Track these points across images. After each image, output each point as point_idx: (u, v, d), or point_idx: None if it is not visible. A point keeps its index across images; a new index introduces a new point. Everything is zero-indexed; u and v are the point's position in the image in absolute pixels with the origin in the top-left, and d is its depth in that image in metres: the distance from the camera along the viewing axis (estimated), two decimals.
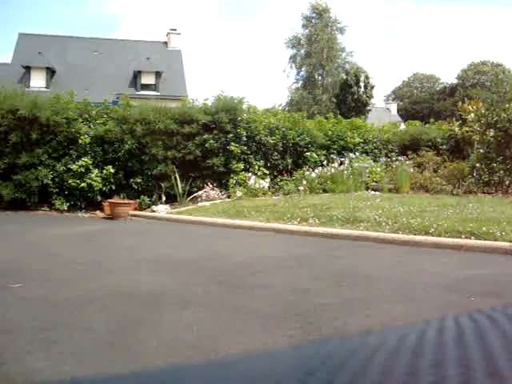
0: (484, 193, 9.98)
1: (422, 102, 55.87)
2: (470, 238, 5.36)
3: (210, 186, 10.74)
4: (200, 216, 8.31)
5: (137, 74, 30.87)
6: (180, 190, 10.43)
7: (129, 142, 10.40)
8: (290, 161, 11.96)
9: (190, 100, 12.25)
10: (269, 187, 11.14)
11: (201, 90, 70.25)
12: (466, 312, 0.53)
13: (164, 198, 10.33)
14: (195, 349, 2.52)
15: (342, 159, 11.92)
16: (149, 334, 2.73)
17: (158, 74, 30.84)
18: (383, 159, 12.42)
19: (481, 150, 10.91)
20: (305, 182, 10.77)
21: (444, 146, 13.18)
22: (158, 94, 27.81)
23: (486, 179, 10.35)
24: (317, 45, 44.59)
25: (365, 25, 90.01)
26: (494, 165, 10.34)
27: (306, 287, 3.78)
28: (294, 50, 46.71)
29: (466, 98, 14.55)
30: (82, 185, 10.07)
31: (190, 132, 10.83)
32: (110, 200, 9.72)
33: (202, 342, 2.62)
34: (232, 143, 11.06)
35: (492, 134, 10.53)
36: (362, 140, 12.96)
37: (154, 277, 4.22)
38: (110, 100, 13.11)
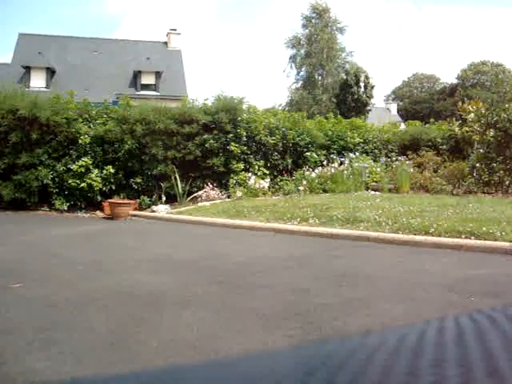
0: (484, 193, 9.98)
1: (422, 102, 55.87)
2: (470, 238, 5.36)
3: (210, 186, 10.74)
4: (200, 216, 8.31)
5: (137, 74, 30.88)
6: (180, 190, 10.44)
7: (129, 142, 10.40)
8: (289, 161, 11.96)
9: (189, 100, 12.25)
10: (269, 187, 11.14)
11: (201, 90, 70.27)
12: (466, 312, 0.53)
13: (164, 198, 10.33)
14: (195, 349, 2.52)
15: (342, 159, 11.93)
16: (149, 334, 2.73)
17: (157, 74, 30.84)
18: (383, 159, 12.42)
19: (481, 150, 10.91)
20: (305, 182, 10.77)
21: (444, 146, 13.19)
22: (158, 94, 27.81)
23: (486, 179, 10.35)
24: (317, 45, 44.59)
25: (365, 25, 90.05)
26: (494, 165, 10.34)
27: (306, 287, 3.78)
28: (294, 50, 46.71)
29: (465, 98, 14.56)
30: (82, 185, 10.07)
31: (189, 132, 10.83)
32: (110, 200, 9.72)
33: (202, 342, 2.62)
34: (232, 143, 11.07)
35: (492, 133, 10.53)
36: (362, 140, 12.96)
37: (154, 277, 4.22)
38: (110, 100, 13.12)
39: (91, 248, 5.87)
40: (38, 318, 3.02)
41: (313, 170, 11.45)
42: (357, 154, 12.33)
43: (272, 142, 11.67)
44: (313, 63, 44.74)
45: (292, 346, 2.48)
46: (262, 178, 11.22)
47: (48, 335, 2.70)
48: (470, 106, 12.13)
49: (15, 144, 9.92)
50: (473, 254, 5.04)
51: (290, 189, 10.75)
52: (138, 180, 10.61)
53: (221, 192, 10.77)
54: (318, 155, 12.08)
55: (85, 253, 5.43)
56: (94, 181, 10.13)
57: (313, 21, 45.89)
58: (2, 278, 4.13)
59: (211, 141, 10.90)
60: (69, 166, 10.20)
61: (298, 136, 12.06)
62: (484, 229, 5.47)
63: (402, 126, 17.92)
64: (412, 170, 11.27)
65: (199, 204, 9.90)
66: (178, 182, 10.46)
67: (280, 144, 11.84)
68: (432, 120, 15.66)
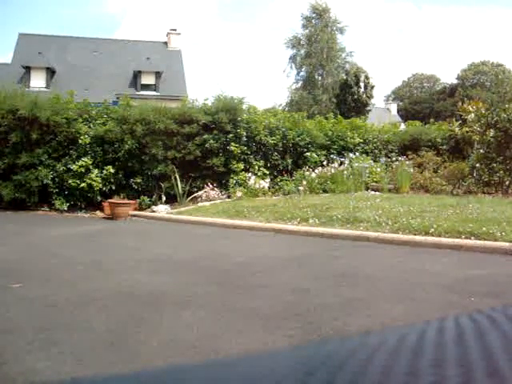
0: (484, 193, 9.98)
1: (422, 102, 55.88)
2: (469, 239, 5.36)
3: (210, 186, 10.75)
4: (200, 216, 8.31)
5: (137, 74, 30.89)
6: (180, 190, 10.43)
7: (129, 142, 10.40)
8: (289, 161, 11.96)
9: (189, 100, 12.26)
10: (269, 187, 11.14)
11: (201, 90, 70.31)
12: (466, 312, 0.53)
13: (164, 198, 10.33)
14: (195, 349, 2.52)
15: (342, 159, 11.92)
16: (149, 334, 2.73)
17: (157, 74, 30.85)
18: (383, 159, 12.42)
19: (481, 150, 10.91)
20: (305, 182, 10.77)
21: (444, 146, 13.19)
22: (158, 94, 27.82)
23: (486, 179, 10.36)
24: (317, 45, 44.59)
25: (365, 25, 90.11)
26: (494, 165, 10.34)
27: (306, 287, 3.78)
28: (294, 50, 46.71)
29: (465, 99, 14.57)
30: (82, 185, 10.07)
31: (189, 132, 10.83)
32: (110, 200, 9.72)
33: (202, 342, 2.62)
34: (232, 143, 11.07)
35: (492, 134, 10.53)
36: (362, 140, 12.96)
37: (154, 277, 4.22)
38: (110, 100, 13.12)
39: (91, 248, 5.87)
40: (38, 318, 3.02)
41: (313, 170, 11.45)
42: (357, 154, 12.33)
43: (272, 142, 11.67)
44: (313, 63, 44.74)
45: (292, 346, 2.48)
46: (262, 178, 11.22)
47: (48, 335, 2.70)
48: (470, 106, 12.13)
49: (15, 144, 9.92)
50: (473, 254, 5.04)
51: (289, 189, 10.75)
52: (138, 180, 10.61)
53: (221, 192, 10.78)
54: (317, 155, 12.08)
55: (85, 253, 5.43)
56: (94, 181, 10.13)
57: (313, 21, 45.89)
58: (2, 278, 4.13)
59: (211, 141, 10.90)
60: (69, 165, 10.20)
61: (298, 136, 12.06)
62: (484, 229, 5.47)
63: (402, 126, 17.92)
64: (412, 170, 11.27)
65: (199, 204, 9.90)
66: (178, 182, 10.46)
67: (280, 144, 11.84)
68: (432, 120, 15.65)
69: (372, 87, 33.34)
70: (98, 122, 10.81)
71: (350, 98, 32.15)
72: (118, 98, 16.53)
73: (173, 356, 2.41)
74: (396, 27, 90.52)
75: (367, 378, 0.40)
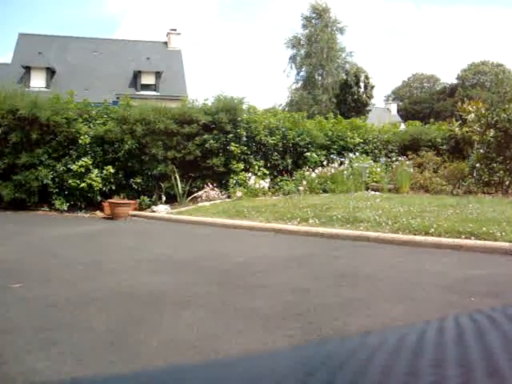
0: (484, 193, 9.98)
1: (422, 102, 55.88)
2: (469, 239, 5.36)
3: (210, 186, 10.75)
4: (200, 216, 8.31)
5: (137, 74, 30.89)
6: (180, 190, 10.43)
7: (129, 142, 10.40)
8: (289, 161, 11.96)
9: (189, 100, 12.26)
10: (269, 187, 11.14)
11: (201, 90, 70.34)
12: (466, 312, 0.53)
13: (164, 198, 10.33)
14: (195, 349, 2.52)
15: (342, 159, 11.92)
16: (149, 334, 2.73)
17: (157, 74, 30.84)
18: (383, 159, 12.42)
19: (481, 150, 10.91)
20: (305, 182, 10.77)
21: (444, 146, 13.19)
22: (158, 94, 27.83)
23: (486, 179, 10.36)
24: (317, 45, 44.60)
25: (365, 25, 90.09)
26: (494, 165, 10.34)
27: (306, 287, 3.78)
28: (294, 50, 46.72)
29: (465, 99, 14.56)
30: (82, 185, 10.07)
31: (189, 132, 10.83)
32: (109, 200, 9.72)
33: (202, 342, 2.62)
34: (232, 143, 11.07)
35: (492, 134, 10.53)
36: (362, 140, 12.96)
37: (154, 277, 4.22)
38: (110, 100, 13.13)
39: (91, 248, 5.87)
40: (38, 318, 3.02)
41: (313, 170, 11.45)
42: (357, 154, 12.33)
43: (272, 142, 11.67)
44: (313, 63, 44.75)
45: (292, 346, 2.48)
46: (262, 178, 11.22)
47: (48, 335, 2.70)
48: (469, 107, 12.13)
49: (15, 144, 9.92)
50: (473, 254, 5.04)
51: (289, 189, 10.75)
52: (138, 180, 10.61)
53: (221, 192, 10.78)
54: (317, 155, 12.08)
55: (85, 253, 5.43)
56: (94, 181, 10.13)
57: (313, 21, 45.90)
58: (2, 278, 4.13)
59: (211, 141, 10.90)
60: (69, 166, 10.20)
61: (298, 136, 12.06)
62: (484, 229, 5.47)
63: (402, 126, 17.92)
64: (412, 170, 11.27)
65: (199, 204, 9.90)
66: (178, 182, 10.46)
67: (280, 144, 11.84)
68: (432, 120, 15.65)
69: (372, 87, 33.34)
70: (98, 121, 10.80)
71: (350, 98, 32.15)
72: (118, 98, 16.53)
73: (173, 356, 2.41)
74: (396, 27, 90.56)
75: (367, 377, 0.40)
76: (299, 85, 46.22)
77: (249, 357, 0.53)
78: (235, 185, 10.81)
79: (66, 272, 4.40)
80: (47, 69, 29.44)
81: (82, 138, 10.36)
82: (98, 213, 10.12)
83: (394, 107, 52.16)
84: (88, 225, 8.36)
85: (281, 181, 11.45)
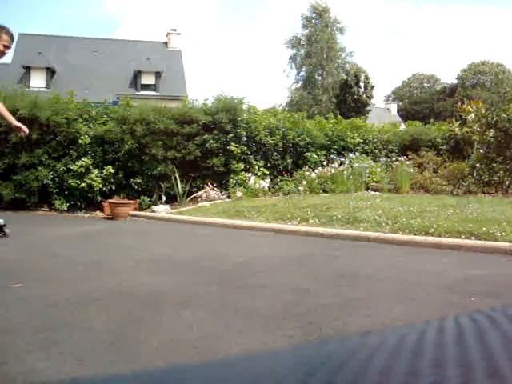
0: (484, 193, 9.98)
1: (422, 103, 55.90)
2: (469, 239, 5.36)
3: (210, 186, 10.75)
4: (200, 216, 8.31)
5: (137, 74, 30.89)
6: (180, 190, 10.44)
7: (129, 142, 10.41)
8: (289, 161, 11.96)
9: (189, 100, 12.26)
10: (269, 187, 11.15)
11: (201, 89, 70.48)
12: (466, 312, 0.53)
13: (164, 198, 10.33)
14: (195, 349, 2.52)
15: (342, 159, 11.93)
16: (149, 334, 2.73)
17: (157, 74, 30.85)
18: (383, 159, 12.43)
19: (481, 151, 10.91)
20: (305, 183, 10.78)
21: (444, 147, 13.20)
22: (158, 94, 27.84)
23: (486, 179, 10.36)
24: (317, 45, 44.61)
25: (365, 25, 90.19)
26: (494, 165, 10.34)
27: (306, 287, 3.78)
28: (294, 50, 46.77)
29: (465, 99, 14.57)
30: (82, 185, 10.08)
31: (189, 132, 10.83)
32: (109, 200, 9.72)
33: (202, 342, 2.62)
34: (232, 143, 11.07)
35: (492, 134, 10.53)
36: (362, 140, 12.96)
37: (154, 277, 4.22)
38: (110, 100, 13.13)
39: (91, 248, 5.87)
40: (38, 318, 3.02)
41: (313, 171, 11.45)
42: (357, 154, 12.33)
43: (272, 142, 11.67)
44: (313, 63, 44.77)
45: (292, 346, 2.48)
46: (262, 178, 11.23)
47: (48, 335, 2.70)
48: (469, 107, 12.13)
49: (15, 144, 9.92)
50: (473, 254, 5.04)
51: (289, 189, 10.75)
52: (138, 180, 10.61)
53: (221, 192, 10.78)
54: (317, 155, 12.09)
55: (85, 253, 5.43)
56: (94, 181, 10.13)
57: (313, 21, 45.94)
58: (2, 278, 4.13)
59: (211, 141, 10.90)
60: (69, 166, 10.20)
61: (298, 136, 12.06)
62: (484, 229, 5.47)
63: (402, 127, 17.92)
64: (412, 170, 11.27)
65: (199, 204, 9.90)
66: (178, 182, 10.46)
67: (280, 144, 11.85)
68: (432, 120, 15.66)
69: (372, 87, 33.37)
70: (98, 122, 10.81)
71: (349, 98, 32.17)
72: (118, 98, 16.54)
73: (173, 356, 2.41)
74: (396, 27, 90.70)
75: (367, 377, 0.40)
76: (299, 85, 46.26)
77: (249, 357, 0.53)
78: (235, 185, 10.81)
79: (66, 272, 4.40)
80: (47, 69, 29.44)
81: (82, 138, 10.36)
82: (98, 213, 10.13)
83: (394, 107, 52.19)
84: (88, 225, 8.36)
85: (281, 181, 11.45)
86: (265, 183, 11.06)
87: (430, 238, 5.54)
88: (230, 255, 5.25)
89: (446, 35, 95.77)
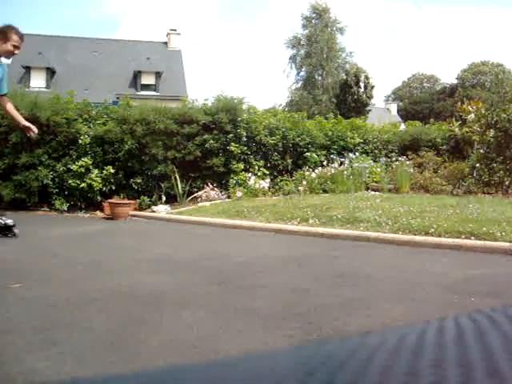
0: (484, 193, 9.98)
1: (422, 103, 55.90)
2: (470, 239, 5.36)
3: (210, 186, 10.75)
4: (200, 216, 8.31)
5: (137, 75, 30.89)
6: (180, 191, 10.44)
7: (129, 142, 10.40)
8: (289, 161, 11.96)
9: (190, 100, 12.26)
10: (269, 187, 11.15)
11: (201, 89, 70.52)
12: (466, 312, 0.53)
13: (164, 198, 10.33)
14: (195, 349, 2.52)
15: (342, 159, 11.93)
16: (149, 334, 2.73)
17: (158, 75, 30.85)
18: (383, 159, 12.43)
19: (481, 151, 10.91)
20: (305, 183, 10.78)
21: (444, 147, 13.20)
22: (158, 94, 27.84)
23: (486, 179, 10.36)
24: (317, 45, 44.62)
25: (365, 25, 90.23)
26: (494, 165, 10.34)
27: (306, 287, 3.78)
28: (294, 50, 46.77)
29: (465, 99, 14.58)
30: (82, 185, 10.08)
31: (190, 132, 10.83)
32: (109, 200, 9.72)
33: (202, 342, 2.62)
34: (232, 143, 11.07)
35: (492, 134, 10.53)
36: (362, 140, 12.96)
37: (154, 277, 4.22)
38: (110, 100, 13.13)
39: (91, 248, 5.87)
40: (38, 318, 3.02)
41: (313, 171, 11.45)
42: (357, 154, 12.33)
43: (272, 142, 11.67)
44: (313, 63, 44.77)
45: (292, 346, 2.48)
46: (262, 179, 11.23)
47: (48, 335, 2.70)
48: (469, 107, 12.13)
49: (15, 144, 9.92)
50: (473, 254, 5.04)
51: (289, 189, 10.75)
52: (138, 180, 10.61)
53: (221, 192, 10.78)
54: (317, 155, 12.09)
55: (85, 253, 5.43)
56: (94, 181, 10.13)
57: (313, 21, 45.94)
58: (2, 278, 4.13)
59: (211, 141, 10.90)
60: (69, 166, 10.20)
61: (298, 136, 12.06)
62: (484, 229, 5.47)
63: (402, 127, 17.92)
64: (412, 171, 11.27)
65: (199, 204, 9.90)
66: (178, 182, 10.46)
67: (280, 144, 11.85)
68: (432, 120, 15.66)
69: (372, 87, 33.37)
70: (98, 122, 10.81)
71: (350, 98, 32.18)
72: (118, 98, 16.53)
73: (173, 356, 2.41)
74: (396, 27, 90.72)
75: (367, 377, 0.40)
76: (299, 85, 46.26)
77: (249, 357, 0.53)
78: (235, 185, 10.81)
79: (66, 272, 4.40)
80: (47, 69, 29.44)
81: (82, 138, 10.36)
82: (98, 213, 10.13)
83: (394, 107, 52.20)
84: (88, 225, 8.36)
85: (281, 181, 11.45)
86: (265, 183, 11.06)
87: (430, 238, 5.54)
88: (230, 255, 5.25)
89: (446, 35, 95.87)
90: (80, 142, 10.34)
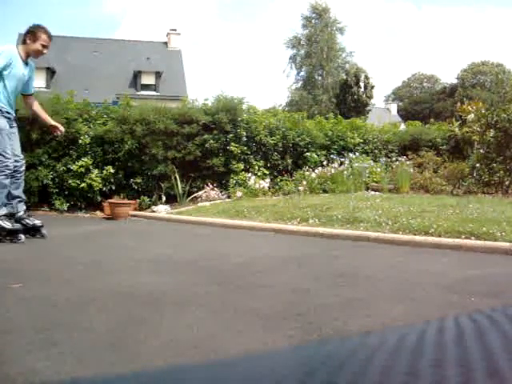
0: (484, 193, 9.98)
1: (422, 103, 55.90)
2: (470, 239, 5.36)
3: (210, 186, 10.75)
4: (200, 216, 8.31)
5: (137, 74, 30.90)
6: (180, 191, 10.44)
7: (129, 142, 10.41)
8: (290, 161, 11.96)
9: (190, 100, 12.27)
10: (269, 187, 11.15)
11: (201, 89, 70.53)
12: (466, 312, 0.53)
13: (164, 198, 10.33)
14: (195, 349, 2.52)
15: (342, 159, 11.94)
16: (149, 334, 2.73)
17: (157, 74, 30.86)
18: (383, 159, 12.43)
19: (481, 151, 10.91)
20: (305, 183, 10.78)
21: (444, 147, 13.20)
22: (158, 94, 27.85)
23: (486, 179, 10.36)
24: (317, 45, 44.62)
25: (365, 25, 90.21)
26: (494, 165, 10.35)
27: (306, 287, 3.78)
28: (294, 50, 46.78)
29: (465, 99, 14.58)
30: (82, 185, 10.08)
31: (189, 132, 10.83)
32: (110, 200, 9.73)
33: (202, 342, 2.62)
34: (232, 143, 11.07)
35: (492, 134, 10.53)
36: (362, 140, 12.97)
37: (154, 277, 4.22)
38: (110, 100, 13.13)
39: (91, 248, 5.87)
40: (38, 318, 3.02)
41: (313, 171, 11.45)
42: (357, 154, 12.34)
43: (272, 142, 11.67)
44: (313, 63, 44.77)
45: (292, 346, 2.48)
46: (262, 179, 11.23)
47: (48, 335, 2.69)
48: (469, 107, 12.13)
49: None
50: (473, 254, 5.04)
51: (289, 189, 10.76)
52: (138, 180, 10.61)
53: (221, 192, 10.78)
54: (317, 155, 12.09)
55: (85, 253, 5.43)
56: (94, 181, 10.14)
57: (313, 21, 45.93)
58: (2, 278, 4.13)
59: (211, 141, 10.90)
60: (69, 166, 10.20)
61: (298, 136, 12.06)
62: (484, 229, 5.47)
63: (402, 127, 17.92)
64: (412, 171, 11.28)
65: (199, 204, 9.91)
66: (178, 182, 10.46)
67: (280, 144, 11.85)
68: (432, 120, 15.67)
69: (372, 87, 33.37)
70: (98, 122, 10.81)
71: (349, 98, 32.18)
72: (118, 98, 16.54)
73: (173, 356, 2.41)
74: (396, 27, 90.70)
75: (367, 377, 0.40)
76: (299, 85, 46.27)
77: (249, 357, 0.54)
78: (235, 185, 10.81)
79: (66, 272, 4.40)
80: (47, 69, 29.44)
81: (81, 138, 10.36)
82: (98, 213, 10.13)
83: (394, 107, 52.21)
84: (88, 225, 8.36)
85: (281, 181, 11.46)
86: (265, 183, 11.06)
87: (430, 238, 5.54)
88: (229, 255, 5.25)
89: (446, 35, 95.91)
90: (80, 141, 10.34)
